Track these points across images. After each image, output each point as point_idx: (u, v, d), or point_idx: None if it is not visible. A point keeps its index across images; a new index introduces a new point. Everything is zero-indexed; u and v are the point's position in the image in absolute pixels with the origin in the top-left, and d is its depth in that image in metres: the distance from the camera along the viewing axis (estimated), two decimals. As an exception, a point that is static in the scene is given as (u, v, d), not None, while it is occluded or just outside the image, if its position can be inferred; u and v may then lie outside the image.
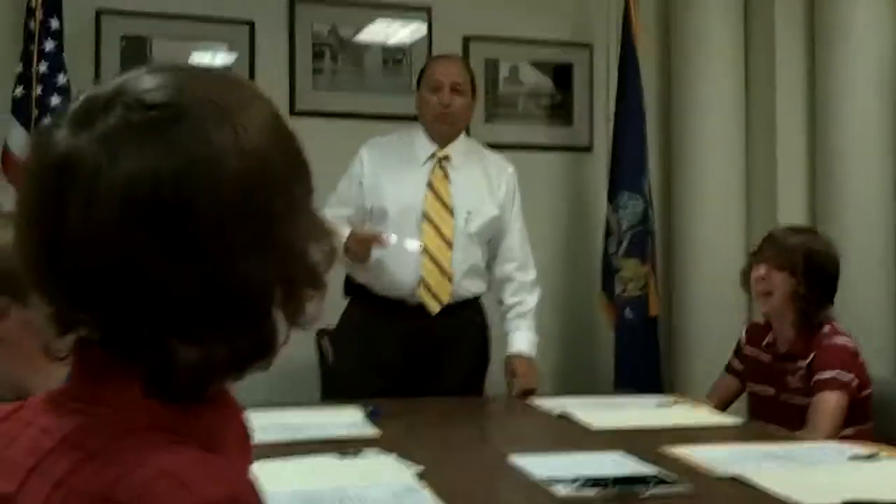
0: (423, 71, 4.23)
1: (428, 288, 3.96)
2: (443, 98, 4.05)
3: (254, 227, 0.97)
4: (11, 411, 1.09)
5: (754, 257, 3.80)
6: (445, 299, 3.98)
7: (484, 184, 4.15)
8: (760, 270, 3.73)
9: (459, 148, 4.15)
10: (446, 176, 4.08)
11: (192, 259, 0.94)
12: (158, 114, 0.96)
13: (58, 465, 0.96)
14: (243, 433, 1.08)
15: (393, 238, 3.81)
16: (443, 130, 4.09)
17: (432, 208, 4.01)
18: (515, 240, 4.17)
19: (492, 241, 4.16)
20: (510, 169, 4.23)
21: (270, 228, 0.99)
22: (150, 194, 0.93)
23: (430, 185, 4.05)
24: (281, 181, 1.00)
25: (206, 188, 0.94)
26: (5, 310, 1.83)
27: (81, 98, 1.01)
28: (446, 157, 4.10)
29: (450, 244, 3.99)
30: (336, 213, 3.97)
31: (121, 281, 0.94)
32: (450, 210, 4.02)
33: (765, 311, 3.83)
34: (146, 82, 1.00)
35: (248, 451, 1.08)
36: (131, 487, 0.89)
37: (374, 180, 4.08)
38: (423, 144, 4.12)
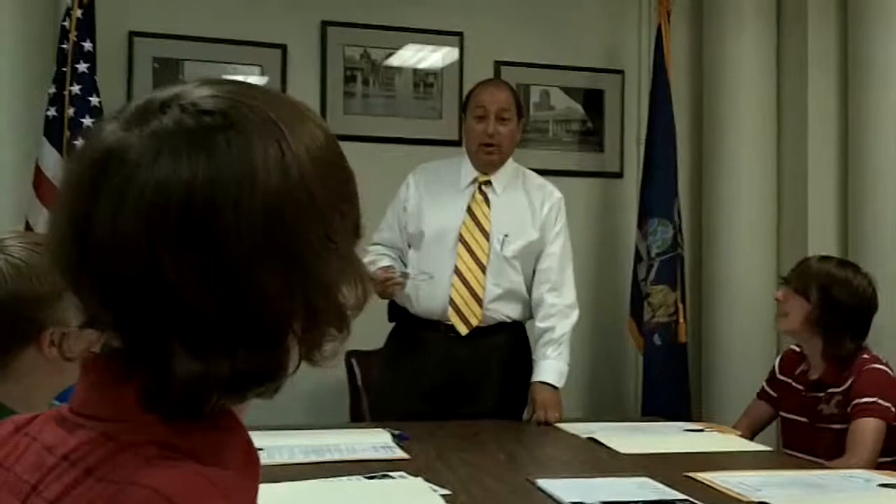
0: (468, 97, 4.22)
1: (457, 309, 3.96)
2: (487, 128, 4.04)
3: (282, 249, 0.95)
4: (24, 423, 1.09)
5: (781, 279, 3.83)
6: (474, 322, 3.97)
7: (525, 208, 4.12)
8: (779, 292, 3.76)
9: (504, 173, 4.13)
10: (486, 200, 4.07)
11: (213, 270, 0.92)
12: (210, 120, 0.95)
13: (56, 484, 0.96)
14: (248, 454, 1.04)
15: (412, 273, 3.93)
16: (488, 160, 4.07)
17: (468, 232, 4.01)
18: (552, 262, 4.10)
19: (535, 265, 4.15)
20: (557, 194, 4.18)
21: (300, 254, 0.96)
22: (180, 199, 0.92)
23: (468, 209, 4.04)
24: (320, 209, 0.98)
25: (238, 201, 0.92)
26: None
27: (142, 98, 1.01)
28: (488, 182, 4.09)
29: (483, 267, 3.98)
30: (379, 239, 4.10)
31: (140, 281, 0.93)
32: (485, 233, 4.02)
33: (782, 331, 3.87)
34: (205, 90, 0.99)
35: (254, 472, 1.04)
36: None
37: (417, 204, 4.11)
38: (467, 170, 4.12)
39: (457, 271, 3.97)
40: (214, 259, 0.92)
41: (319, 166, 0.99)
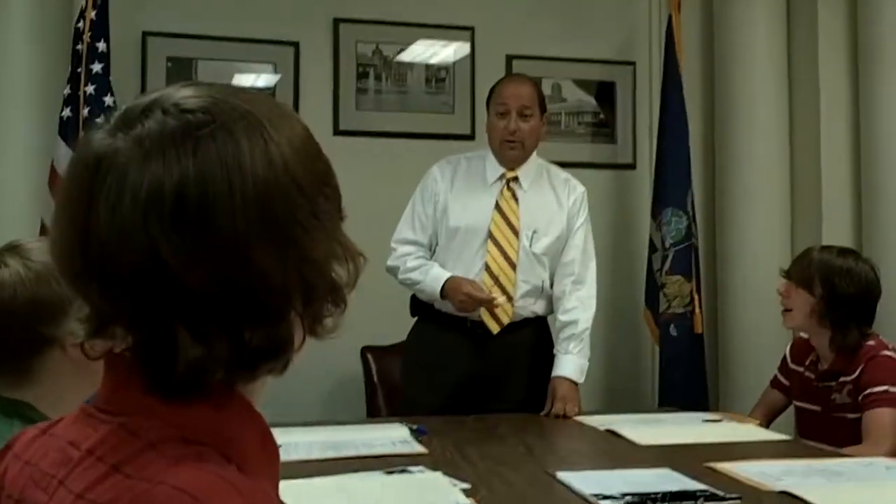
0: (490, 93, 4.18)
1: (488, 308, 3.96)
2: (509, 125, 4.02)
3: (273, 230, 0.99)
4: (49, 426, 1.13)
5: (783, 272, 3.81)
6: (505, 320, 3.96)
7: (553, 204, 4.11)
8: (782, 287, 3.75)
9: (529, 169, 4.11)
10: (514, 197, 4.05)
11: (211, 254, 0.96)
12: (192, 118, 1.00)
13: (81, 479, 0.98)
14: (266, 444, 1.07)
15: (500, 299, 3.91)
16: (510, 156, 4.06)
17: (498, 229, 3.99)
18: (575, 255, 4.09)
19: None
20: (580, 188, 4.18)
21: (291, 235, 1.01)
22: (174, 194, 0.95)
23: (497, 207, 4.03)
24: (305, 193, 1.03)
25: (230, 190, 0.97)
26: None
27: (123, 107, 1.05)
28: (515, 179, 4.08)
29: (513, 265, 3.98)
30: (413, 237, 4.07)
31: (143, 272, 0.96)
32: (515, 231, 4.00)
33: (787, 328, 3.87)
34: (184, 92, 1.04)
35: (271, 461, 1.08)
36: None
37: (445, 199, 4.08)
38: (492, 166, 4.10)
39: (487, 269, 3.97)
40: (212, 244, 0.96)
41: (301, 155, 1.05)
